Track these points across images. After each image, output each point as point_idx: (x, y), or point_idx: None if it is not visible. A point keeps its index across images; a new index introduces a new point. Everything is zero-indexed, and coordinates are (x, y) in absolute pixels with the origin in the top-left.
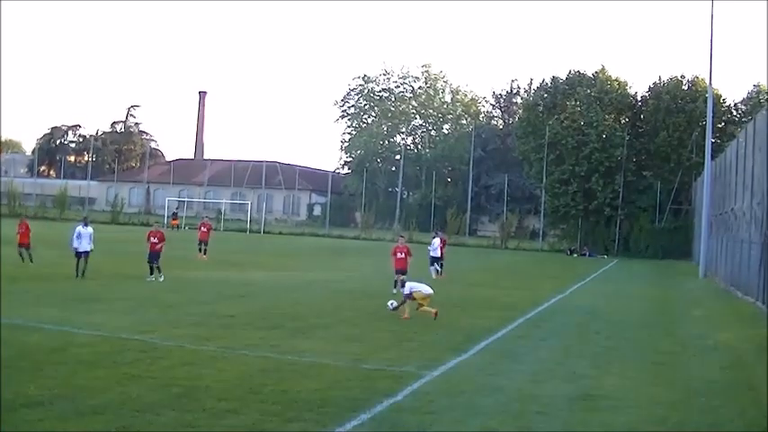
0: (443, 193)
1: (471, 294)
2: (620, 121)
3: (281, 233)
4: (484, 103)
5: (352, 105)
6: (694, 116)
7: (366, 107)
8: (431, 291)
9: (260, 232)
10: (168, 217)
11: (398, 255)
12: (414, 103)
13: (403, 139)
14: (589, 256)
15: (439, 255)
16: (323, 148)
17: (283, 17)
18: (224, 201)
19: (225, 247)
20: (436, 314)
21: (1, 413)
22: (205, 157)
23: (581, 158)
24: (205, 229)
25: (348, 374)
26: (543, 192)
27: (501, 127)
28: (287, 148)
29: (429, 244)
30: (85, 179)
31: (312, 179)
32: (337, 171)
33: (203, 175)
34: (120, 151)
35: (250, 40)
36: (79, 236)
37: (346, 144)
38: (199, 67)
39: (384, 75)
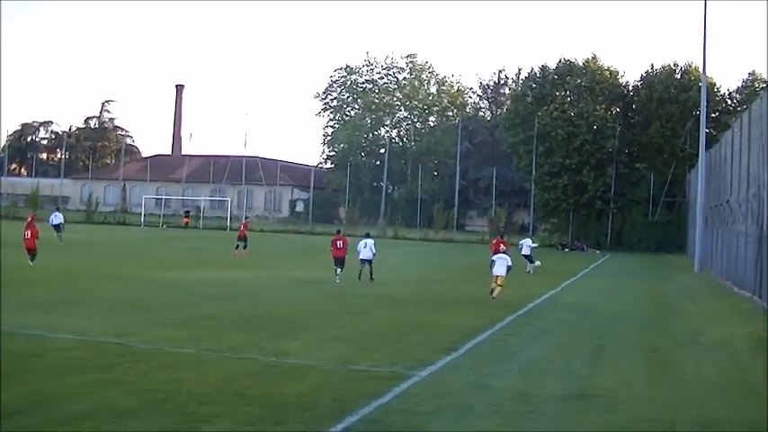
0: (430, 188)
1: (460, 292)
2: (611, 112)
3: (262, 231)
4: (471, 94)
5: (335, 98)
6: (688, 106)
7: (349, 99)
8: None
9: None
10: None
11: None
12: (398, 94)
13: (387, 131)
14: (581, 250)
15: (529, 252)
16: (305, 142)
17: (263, 6)
18: (203, 198)
19: (204, 245)
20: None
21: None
22: (183, 152)
23: (571, 150)
24: (242, 227)
25: (334, 376)
26: (533, 185)
27: (488, 119)
28: (267, 143)
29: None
30: (58, 177)
31: (294, 174)
32: (320, 166)
33: (181, 172)
34: (95, 148)
35: (228, 31)
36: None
37: (329, 138)
38: (175, 59)
39: (367, 65)
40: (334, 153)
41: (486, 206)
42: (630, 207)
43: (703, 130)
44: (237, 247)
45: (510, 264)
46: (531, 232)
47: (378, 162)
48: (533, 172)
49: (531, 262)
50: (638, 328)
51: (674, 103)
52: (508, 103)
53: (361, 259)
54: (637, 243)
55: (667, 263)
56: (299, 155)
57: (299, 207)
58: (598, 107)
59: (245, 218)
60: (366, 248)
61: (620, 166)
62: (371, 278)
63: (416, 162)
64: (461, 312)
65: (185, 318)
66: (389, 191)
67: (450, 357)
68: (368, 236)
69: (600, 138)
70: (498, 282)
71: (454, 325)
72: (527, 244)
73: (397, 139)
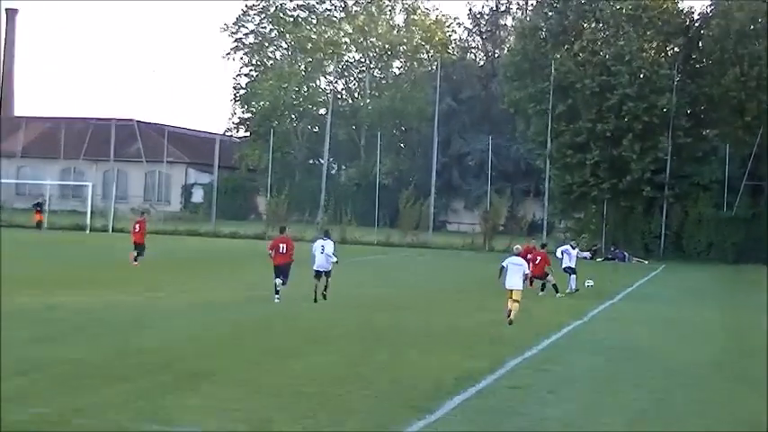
0: (393, 167)
1: (441, 322)
2: (666, 53)
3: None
4: (456, 26)
5: (251, 31)
6: None
7: (272, 35)
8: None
9: (108, 230)
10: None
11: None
12: (347, 27)
13: (330, 83)
14: (620, 260)
15: (572, 264)
16: (206, 100)
17: None
18: (48, 181)
19: (55, 255)
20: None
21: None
22: (16, 113)
23: (606, 111)
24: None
25: None
26: (547, 163)
27: (481, 64)
28: (149, 100)
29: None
30: None
31: (189, 147)
32: (229, 134)
33: (14, 142)
34: None
35: None
36: None
37: (242, 92)
38: None
39: None
40: (250, 115)
41: (478, 194)
42: (695, 195)
43: None
44: (137, 257)
45: (527, 271)
46: (544, 233)
47: (316, 129)
48: (548, 143)
49: (574, 274)
50: (712, 382)
51: (762, 39)
52: (511, 40)
53: (316, 270)
54: (705, 249)
55: (753, 280)
56: (197, 118)
57: (197, 196)
58: (647, 46)
59: (141, 214)
60: (322, 254)
61: (680, 133)
62: (324, 296)
63: (374, 129)
64: (442, 352)
65: (31, 363)
66: (333, 171)
67: (423, 423)
68: (326, 235)
69: (649, 92)
70: (514, 297)
71: (430, 372)
72: (567, 251)
73: (344, 94)
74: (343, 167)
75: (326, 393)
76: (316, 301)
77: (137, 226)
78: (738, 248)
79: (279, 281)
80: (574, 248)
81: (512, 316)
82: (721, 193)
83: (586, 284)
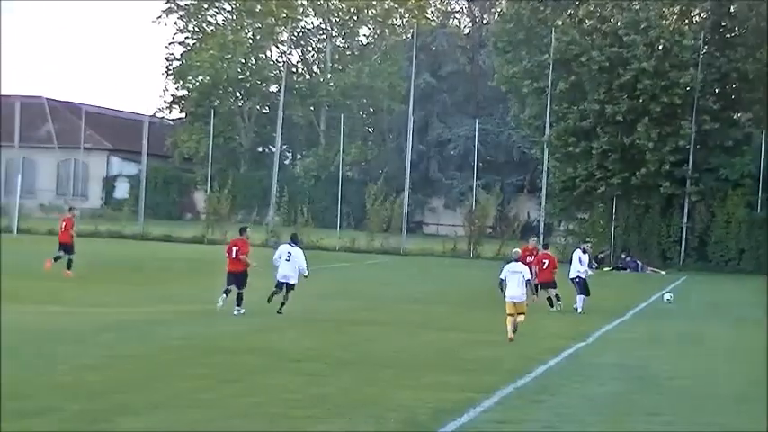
0: (360, 156)
1: (416, 342)
2: (691, 20)
3: (51, 233)
4: None
5: None
6: None
7: None
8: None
9: (12, 232)
10: None
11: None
12: None
13: (284, 54)
14: (632, 269)
15: (583, 274)
16: (132, 74)
17: None
18: None
19: None
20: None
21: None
22: None
23: (616, 90)
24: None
25: None
26: (545, 152)
27: (467, 32)
28: (61, 73)
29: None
30: None
31: (112, 130)
32: (159, 116)
33: None
34: None
35: None
36: None
37: (176, 64)
38: None
39: None
40: (185, 93)
41: (462, 190)
42: (723, 192)
43: None
44: (58, 258)
45: (528, 277)
46: (541, 236)
47: (266, 110)
48: (547, 128)
49: (585, 293)
50: (740, 414)
51: None
52: (502, 3)
53: (279, 281)
54: (735, 258)
55: None
56: (120, 96)
57: (122, 191)
58: (667, 11)
59: (69, 209)
60: (289, 263)
61: (706, 118)
62: (280, 308)
63: (336, 110)
64: (416, 378)
65: None
66: (287, 162)
67: None
68: (294, 241)
69: (669, 67)
70: (518, 310)
71: (401, 402)
72: (578, 257)
73: (301, 67)
74: (299, 156)
75: (287, 416)
76: (269, 301)
77: (63, 224)
78: None
79: (224, 296)
80: (585, 253)
81: (511, 334)
82: (755, 189)
83: (665, 299)
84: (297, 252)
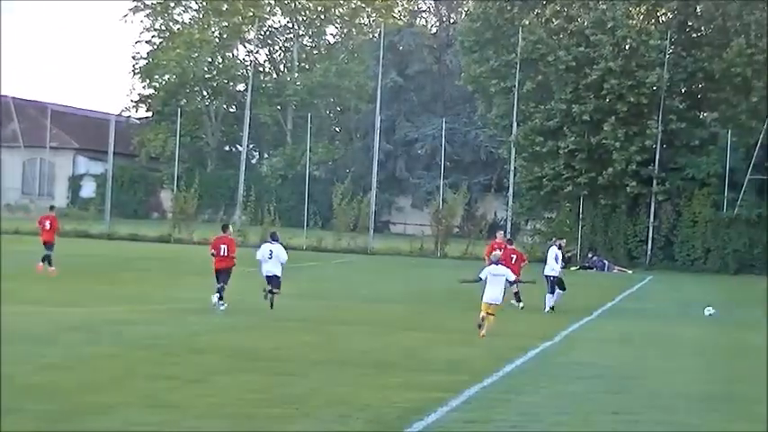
0: (327, 156)
1: (382, 343)
2: (657, 20)
3: (17, 232)
4: None
5: None
6: None
7: None
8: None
9: None
10: None
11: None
12: None
13: (250, 53)
14: (599, 268)
15: (556, 273)
16: (99, 72)
17: None
18: None
19: None
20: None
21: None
22: None
23: (583, 90)
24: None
25: None
26: (512, 151)
27: (434, 32)
28: (28, 72)
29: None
30: None
31: (78, 129)
32: (126, 114)
33: None
34: None
35: None
36: None
37: (143, 63)
38: None
39: None
40: (152, 92)
41: (429, 189)
42: (690, 192)
43: None
44: (45, 258)
45: (511, 278)
46: (508, 234)
47: (233, 109)
48: (514, 128)
49: (562, 288)
50: (706, 413)
51: None
52: (469, 3)
53: (266, 276)
54: (701, 257)
55: (758, 294)
56: (87, 95)
57: (88, 190)
58: (633, 11)
59: (51, 208)
60: (272, 259)
61: (673, 117)
62: (271, 305)
63: (303, 109)
64: (383, 378)
65: None
66: (254, 161)
67: None
68: (273, 238)
69: (636, 67)
70: (490, 311)
71: (368, 402)
72: (554, 254)
73: (268, 67)
74: (266, 156)
75: (254, 416)
76: (266, 298)
77: (47, 222)
78: (741, 256)
79: (219, 287)
80: (560, 249)
81: (484, 330)
82: (721, 189)
83: (707, 313)
84: (277, 249)
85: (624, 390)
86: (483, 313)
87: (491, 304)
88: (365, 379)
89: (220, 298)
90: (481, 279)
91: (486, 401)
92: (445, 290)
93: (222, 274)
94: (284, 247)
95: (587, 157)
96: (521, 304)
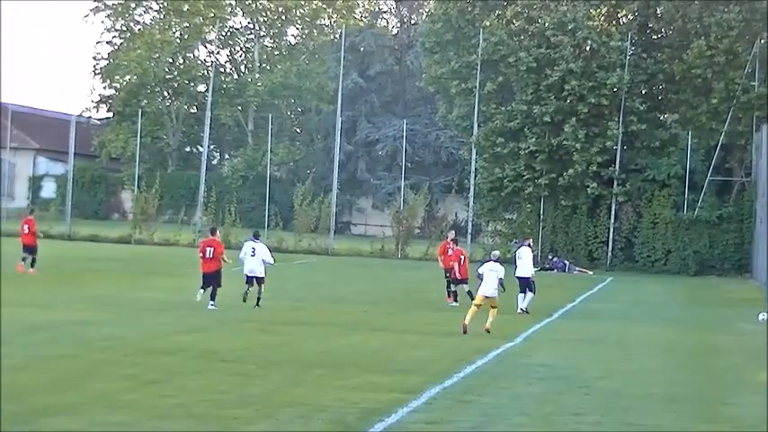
0: (288, 157)
1: (343, 343)
2: (618, 21)
3: None
4: None
5: None
6: (757, 12)
7: None
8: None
9: None
10: None
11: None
12: None
13: (211, 54)
14: (560, 269)
15: (529, 274)
16: (60, 72)
17: None
18: None
19: None
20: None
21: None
22: None
23: (544, 91)
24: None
25: None
26: (473, 152)
27: (395, 32)
28: None
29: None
30: None
31: (38, 130)
32: (87, 115)
33: None
34: None
35: None
36: None
37: (103, 63)
38: None
39: None
40: (113, 92)
41: (390, 190)
42: (650, 193)
43: None
44: (25, 260)
45: (502, 276)
46: (469, 236)
47: (194, 109)
48: (475, 128)
49: (530, 290)
50: (667, 413)
51: (733, 4)
52: (430, 3)
53: (248, 276)
54: (661, 258)
55: (718, 294)
56: (47, 95)
57: (48, 190)
58: (594, 12)
59: (31, 212)
60: (254, 258)
61: (633, 118)
62: (257, 303)
63: (264, 110)
64: (343, 379)
65: None
66: (215, 161)
67: None
68: (255, 237)
69: (597, 68)
70: (491, 304)
71: (328, 403)
72: (530, 255)
73: (229, 67)
74: (227, 156)
75: (214, 416)
76: (244, 300)
77: (25, 226)
78: (701, 257)
79: (201, 291)
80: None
81: (467, 321)
82: (681, 190)
83: (760, 318)
84: (260, 247)
85: (586, 391)
86: (473, 309)
87: (486, 296)
88: (326, 380)
89: (212, 297)
90: (480, 274)
91: (447, 402)
92: (406, 291)
93: (210, 277)
94: (268, 248)
95: (548, 158)
96: (457, 304)
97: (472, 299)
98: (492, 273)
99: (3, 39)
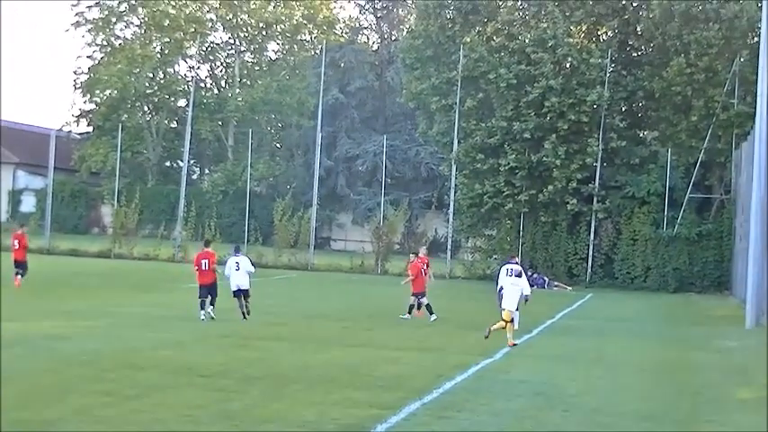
0: (268, 172)
1: (321, 359)
2: (598, 38)
3: None
4: (344, 4)
5: (96, 3)
6: (737, 30)
7: (122, 9)
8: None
9: None
10: None
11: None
12: (212, 1)
13: (192, 69)
14: (539, 286)
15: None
16: (40, 86)
17: None
18: None
19: None
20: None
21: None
22: None
23: (524, 107)
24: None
25: None
26: (453, 168)
27: (375, 48)
28: None
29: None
30: None
31: (18, 144)
32: (67, 129)
33: None
34: None
35: None
36: None
37: (85, 78)
38: None
39: None
40: (94, 106)
41: (369, 206)
42: (630, 210)
43: (765, 72)
44: (18, 274)
45: (528, 294)
46: (449, 253)
47: (174, 124)
48: (455, 145)
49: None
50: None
51: (713, 23)
52: (411, 20)
53: (235, 291)
54: (641, 275)
55: (698, 311)
56: (27, 110)
57: (28, 204)
58: (574, 29)
59: (21, 226)
60: (239, 271)
61: (613, 135)
62: (245, 315)
63: (244, 125)
64: (322, 394)
65: None
66: (195, 176)
67: None
68: (237, 251)
69: (577, 85)
70: (504, 317)
71: (307, 418)
72: (515, 273)
73: (209, 82)
74: (207, 171)
75: None
76: (245, 317)
77: (15, 242)
78: (681, 274)
79: (203, 312)
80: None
81: (510, 337)
82: (661, 207)
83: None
84: (243, 260)
85: (565, 407)
86: (503, 322)
87: (505, 310)
88: (305, 395)
89: (212, 303)
90: (501, 289)
91: (426, 419)
92: (385, 306)
93: (207, 289)
94: (249, 259)
95: (528, 175)
96: (433, 316)
97: (431, 312)
98: (514, 287)
99: None
